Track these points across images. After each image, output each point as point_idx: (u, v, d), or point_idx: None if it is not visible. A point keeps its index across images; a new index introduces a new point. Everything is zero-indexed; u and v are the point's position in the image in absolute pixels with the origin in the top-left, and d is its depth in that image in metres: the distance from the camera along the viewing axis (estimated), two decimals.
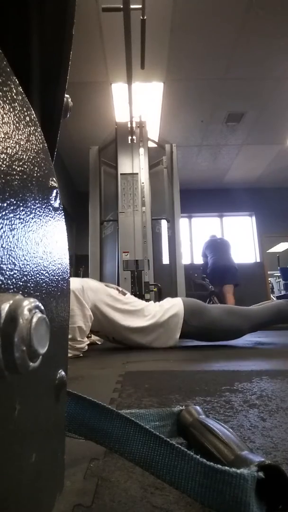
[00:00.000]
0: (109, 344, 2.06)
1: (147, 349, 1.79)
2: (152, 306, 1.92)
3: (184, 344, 2.04)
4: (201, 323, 1.84)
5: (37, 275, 0.23)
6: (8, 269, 0.18)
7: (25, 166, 0.22)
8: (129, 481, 0.36)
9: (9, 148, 0.20)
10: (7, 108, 0.20)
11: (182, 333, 1.82)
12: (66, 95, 0.39)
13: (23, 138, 0.22)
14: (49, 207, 0.27)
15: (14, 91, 0.21)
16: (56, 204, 0.29)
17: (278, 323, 1.98)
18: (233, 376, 0.97)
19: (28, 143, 0.23)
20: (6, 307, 0.15)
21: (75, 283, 1.69)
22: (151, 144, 3.94)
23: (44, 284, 0.24)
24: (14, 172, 0.20)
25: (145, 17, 2.15)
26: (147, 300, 2.69)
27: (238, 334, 1.90)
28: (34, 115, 0.25)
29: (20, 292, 0.20)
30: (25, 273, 0.21)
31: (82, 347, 1.59)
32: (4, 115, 0.20)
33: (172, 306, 1.86)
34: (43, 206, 0.26)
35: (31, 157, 0.23)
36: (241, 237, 7.00)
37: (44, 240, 0.25)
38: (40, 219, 0.25)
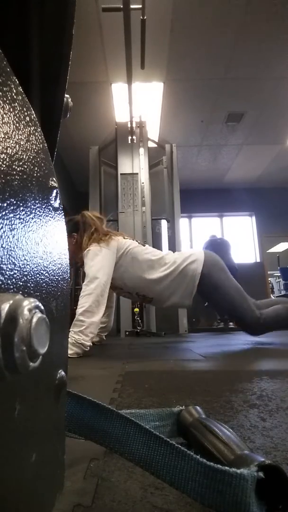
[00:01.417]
0: (109, 344, 2.06)
1: (147, 349, 1.79)
2: (171, 254, 1.96)
3: (184, 344, 2.05)
4: (214, 279, 1.84)
5: (37, 275, 0.23)
6: (8, 269, 0.18)
7: (25, 166, 0.22)
8: (129, 481, 0.36)
9: (9, 148, 0.20)
10: (7, 108, 0.20)
11: (200, 285, 1.84)
12: (66, 95, 0.39)
13: (23, 138, 0.22)
14: (49, 207, 0.27)
15: (14, 91, 0.21)
16: (56, 204, 0.29)
17: (278, 328, 1.94)
18: (233, 376, 0.97)
19: (28, 143, 0.23)
20: (6, 307, 0.15)
21: (118, 243, 1.82)
22: (151, 144, 3.94)
23: (44, 284, 0.24)
24: (14, 172, 0.20)
25: (145, 17, 2.15)
26: None
27: (234, 310, 1.88)
28: (34, 115, 0.25)
29: (20, 292, 0.20)
30: (25, 273, 0.21)
31: (87, 345, 1.57)
32: (4, 115, 0.20)
33: (193, 254, 1.90)
34: (43, 206, 0.26)
35: (31, 157, 0.23)
36: (241, 237, 6.99)
37: (44, 240, 0.25)
38: (40, 219, 0.25)
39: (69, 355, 1.48)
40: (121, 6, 2.02)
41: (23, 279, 0.20)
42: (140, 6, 2.06)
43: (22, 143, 0.22)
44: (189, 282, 1.84)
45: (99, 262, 1.74)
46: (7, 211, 0.19)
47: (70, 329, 1.59)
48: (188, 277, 1.84)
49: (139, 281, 1.85)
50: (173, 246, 3.81)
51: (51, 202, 0.28)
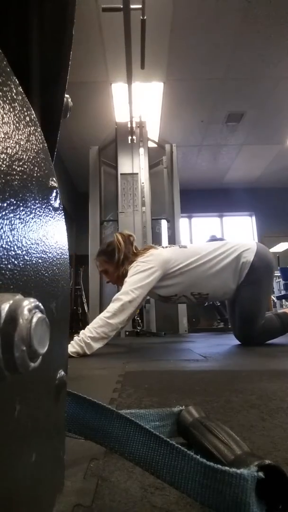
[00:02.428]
0: (109, 344, 2.06)
1: (147, 349, 1.79)
2: (226, 243, 1.93)
3: (184, 345, 2.05)
4: (258, 276, 1.83)
5: (37, 275, 0.23)
6: (8, 269, 0.18)
7: (25, 166, 0.22)
8: (129, 481, 0.36)
9: (9, 148, 0.20)
10: (7, 108, 0.20)
11: (247, 276, 1.82)
12: (66, 95, 0.39)
13: (23, 138, 0.22)
14: (49, 207, 0.27)
15: (14, 91, 0.21)
16: (56, 204, 0.29)
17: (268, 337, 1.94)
18: (233, 376, 0.97)
19: (28, 143, 0.23)
20: (6, 307, 0.15)
21: (164, 256, 1.82)
22: (151, 144, 3.94)
23: (44, 284, 0.24)
24: (14, 172, 0.20)
25: (145, 17, 2.15)
26: None
27: (251, 321, 1.87)
28: (34, 115, 0.25)
29: (20, 292, 0.20)
30: (25, 273, 0.21)
31: (94, 347, 1.54)
32: (4, 115, 0.20)
33: (245, 244, 1.89)
34: (43, 206, 0.26)
35: (31, 157, 0.23)
36: (241, 237, 6.99)
37: (44, 240, 0.25)
38: (40, 219, 0.25)
39: (69, 352, 1.46)
40: (121, 6, 2.02)
41: (23, 279, 0.20)
42: (140, 6, 2.06)
43: (22, 143, 0.22)
44: (242, 266, 1.82)
45: (139, 276, 1.72)
46: (7, 211, 0.19)
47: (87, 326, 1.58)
48: (240, 261, 1.83)
49: (193, 281, 1.83)
50: None
51: (51, 202, 0.28)
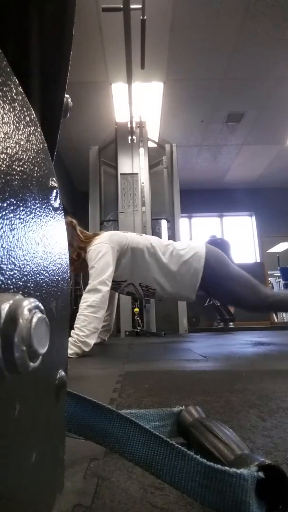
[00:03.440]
0: (109, 344, 2.06)
1: (147, 349, 1.79)
2: (176, 244, 1.96)
3: (184, 344, 2.05)
4: (217, 272, 1.86)
5: (37, 275, 0.23)
6: (8, 269, 0.18)
7: (25, 166, 0.22)
8: (129, 481, 0.36)
9: (9, 148, 0.20)
10: (7, 108, 0.20)
11: (203, 279, 1.85)
12: (66, 95, 0.39)
13: (23, 138, 0.22)
14: (49, 207, 0.27)
15: (14, 91, 0.21)
16: (56, 204, 0.29)
17: (282, 309, 2.00)
18: (233, 376, 0.97)
19: (28, 143, 0.23)
20: (6, 307, 0.15)
21: (119, 237, 1.84)
22: (151, 144, 3.94)
23: (44, 284, 0.24)
24: (14, 172, 0.20)
25: (145, 17, 2.15)
26: None
27: (238, 301, 1.94)
28: (34, 115, 0.25)
29: (20, 292, 0.20)
30: (25, 273, 0.21)
31: (89, 343, 1.55)
32: (4, 115, 0.20)
33: (194, 247, 1.91)
34: (43, 206, 0.26)
35: (31, 157, 0.23)
36: (241, 237, 6.99)
37: (44, 240, 0.25)
38: (40, 219, 0.25)
39: (69, 355, 1.47)
40: (121, 6, 2.02)
41: (23, 279, 0.20)
42: (140, 6, 2.06)
43: (22, 143, 0.22)
44: (193, 275, 1.85)
45: (102, 259, 1.74)
46: (7, 211, 0.19)
47: (74, 325, 1.58)
48: (192, 269, 1.85)
49: (143, 270, 1.86)
50: None
51: (51, 202, 0.28)
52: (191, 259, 1.85)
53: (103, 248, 1.77)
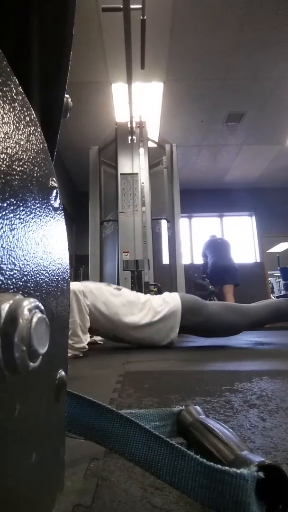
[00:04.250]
0: (109, 344, 2.06)
1: (147, 349, 1.79)
2: (153, 300, 1.93)
3: (184, 344, 2.05)
4: (199, 318, 1.86)
5: (37, 275, 0.23)
6: (8, 269, 0.18)
7: (25, 166, 0.22)
8: (129, 481, 0.36)
9: (9, 148, 0.20)
10: (7, 108, 0.20)
11: (180, 328, 1.84)
12: (66, 95, 0.39)
13: (23, 138, 0.22)
14: (49, 207, 0.27)
15: (14, 91, 0.21)
16: (56, 204, 0.29)
17: (276, 321, 2.00)
18: (233, 376, 0.97)
19: (28, 143, 0.23)
20: (6, 307, 0.15)
21: (76, 285, 1.73)
22: (151, 144, 3.94)
23: (44, 284, 0.24)
24: (14, 172, 0.20)
25: (145, 17, 2.15)
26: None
27: (235, 330, 1.94)
28: (34, 115, 0.25)
29: (20, 292, 0.20)
30: (25, 273, 0.21)
31: (82, 347, 1.59)
32: (4, 115, 0.20)
33: (170, 302, 1.88)
34: (43, 206, 0.26)
35: (31, 157, 0.23)
36: (241, 237, 6.99)
37: (44, 240, 0.25)
38: (40, 219, 0.25)
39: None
40: (121, 6, 2.02)
41: (23, 279, 0.20)
42: (140, 6, 2.06)
43: (22, 143, 0.22)
44: (170, 330, 1.83)
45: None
46: (7, 211, 0.19)
47: None
48: (168, 325, 1.83)
49: (117, 325, 1.81)
50: (173, 246, 3.81)
51: (51, 202, 0.28)
52: (167, 315, 1.83)
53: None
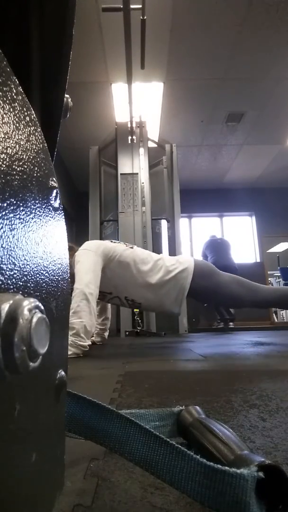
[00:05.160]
0: (109, 344, 2.06)
1: (147, 349, 1.79)
2: (166, 259, 1.93)
3: (184, 344, 2.05)
4: (208, 284, 1.86)
5: (37, 275, 0.23)
6: (8, 269, 0.18)
7: (25, 166, 0.22)
8: (129, 481, 0.36)
9: (9, 148, 0.20)
10: (7, 108, 0.20)
11: (189, 291, 1.84)
12: (66, 95, 0.39)
13: (23, 138, 0.22)
14: (49, 207, 0.27)
15: (14, 91, 0.21)
16: (56, 204, 0.29)
17: (281, 307, 2.04)
18: (233, 376, 0.97)
19: (28, 143, 0.23)
20: (6, 307, 0.15)
21: (92, 244, 1.79)
22: (151, 144, 3.94)
23: (44, 284, 0.24)
24: (14, 172, 0.20)
25: (145, 17, 2.15)
26: None
27: (240, 304, 1.96)
28: (34, 115, 0.25)
29: (20, 292, 0.20)
30: (25, 273, 0.21)
31: (84, 346, 1.58)
32: (4, 115, 0.20)
33: (183, 262, 1.89)
34: (43, 206, 0.26)
35: (31, 157, 0.23)
36: (241, 237, 6.99)
37: (44, 240, 0.25)
38: (40, 219, 0.25)
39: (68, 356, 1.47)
40: (121, 6, 2.02)
41: (23, 279, 0.20)
42: (140, 6, 2.06)
43: (22, 143, 0.22)
44: (179, 291, 1.84)
45: (83, 264, 1.74)
46: (7, 211, 0.19)
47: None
48: (178, 285, 1.83)
49: (129, 284, 1.83)
50: (173, 246, 3.81)
51: (51, 202, 0.28)
52: (179, 275, 1.84)
53: (82, 255, 1.77)
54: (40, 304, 0.17)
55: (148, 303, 1.88)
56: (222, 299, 1.93)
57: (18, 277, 0.20)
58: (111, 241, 1.97)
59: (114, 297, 1.93)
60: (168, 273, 1.84)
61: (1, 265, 0.18)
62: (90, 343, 1.66)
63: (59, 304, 0.28)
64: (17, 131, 0.21)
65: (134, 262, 1.84)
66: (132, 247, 1.96)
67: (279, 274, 6.80)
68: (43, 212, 0.25)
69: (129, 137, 3.64)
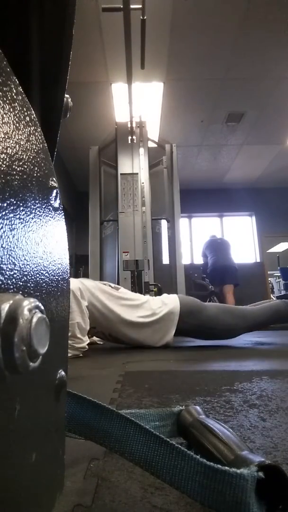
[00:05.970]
0: (109, 344, 2.06)
1: (147, 349, 1.79)
2: (151, 301, 1.92)
3: (184, 344, 2.05)
4: (197, 321, 1.85)
5: (37, 275, 0.23)
6: (8, 269, 0.18)
7: (25, 166, 0.22)
8: (129, 481, 0.36)
9: (9, 148, 0.20)
10: (7, 108, 0.20)
11: (177, 330, 1.83)
12: (66, 95, 0.39)
13: (23, 138, 0.22)
14: (49, 207, 0.27)
15: (14, 91, 0.21)
16: (56, 204, 0.29)
17: (275, 323, 1.99)
18: (233, 376, 0.97)
19: (28, 143, 0.23)
20: (6, 307, 0.15)
21: (73, 282, 1.71)
22: (151, 144, 3.94)
23: (44, 284, 0.24)
24: (14, 172, 0.20)
25: (145, 17, 2.15)
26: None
27: (234, 333, 1.92)
28: (34, 115, 0.25)
29: (20, 292, 0.20)
30: (25, 273, 0.21)
31: (82, 347, 1.59)
32: (4, 115, 0.20)
33: (168, 303, 1.87)
34: (43, 206, 0.26)
35: (31, 157, 0.23)
36: (241, 237, 6.99)
37: (44, 240, 0.25)
38: (40, 219, 0.25)
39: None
40: (121, 6, 2.02)
41: (23, 279, 0.20)
42: (140, 6, 2.06)
43: (22, 143, 0.22)
44: (166, 331, 1.82)
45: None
46: (7, 211, 0.19)
47: None
48: (165, 327, 1.82)
49: (112, 322, 1.79)
50: (173, 246, 3.81)
51: (51, 202, 0.28)
52: (165, 316, 1.82)
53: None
54: (40, 304, 0.17)
55: (133, 342, 1.86)
56: (216, 333, 1.88)
57: (18, 277, 0.20)
58: (100, 282, 1.94)
59: (98, 332, 1.91)
60: (154, 314, 1.82)
61: (1, 265, 0.18)
62: (88, 341, 1.65)
63: (59, 304, 0.28)
64: (17, 131, 0.21)
65: (119, 304, 1.81)
66: (118, 288, 1.92)
67: (279, 274, 6.80)
68: (43, 212, 0.25)
69: (129, 137, 3.64)
